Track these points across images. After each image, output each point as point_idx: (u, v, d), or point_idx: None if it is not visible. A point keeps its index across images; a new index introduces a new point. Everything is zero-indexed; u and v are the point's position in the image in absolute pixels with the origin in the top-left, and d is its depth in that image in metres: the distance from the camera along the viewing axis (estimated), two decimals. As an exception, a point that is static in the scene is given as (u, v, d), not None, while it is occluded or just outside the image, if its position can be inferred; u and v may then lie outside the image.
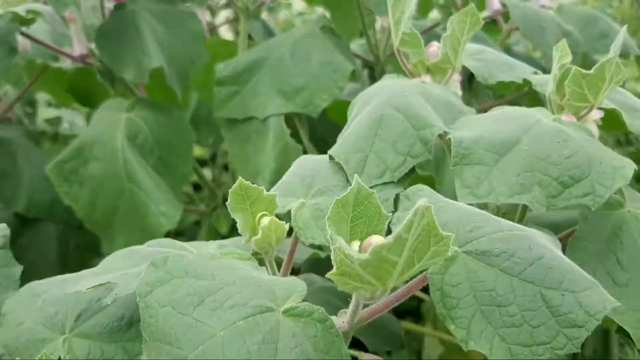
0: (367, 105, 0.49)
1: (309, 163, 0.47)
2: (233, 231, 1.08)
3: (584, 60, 1.10)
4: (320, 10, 1.68)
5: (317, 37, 0.90)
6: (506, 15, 1.15)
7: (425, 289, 0.37)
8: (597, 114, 0.50)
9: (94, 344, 0.39)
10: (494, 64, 0.60)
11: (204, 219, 1.11)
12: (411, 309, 1.40)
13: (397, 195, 0.42)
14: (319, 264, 0.64)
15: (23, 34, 0.93)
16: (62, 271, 0.98)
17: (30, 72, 1.18)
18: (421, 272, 0.34)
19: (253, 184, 0.87)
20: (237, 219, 0.42)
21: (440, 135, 0.46)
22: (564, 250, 0.42)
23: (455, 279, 0.34)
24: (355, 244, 0.33)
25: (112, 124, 0.86)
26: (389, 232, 0.36)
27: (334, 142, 1.13)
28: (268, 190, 0.84)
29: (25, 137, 1.04)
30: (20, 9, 0.96)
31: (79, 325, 0.41)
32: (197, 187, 1.34)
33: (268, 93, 0.88)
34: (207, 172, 1.30)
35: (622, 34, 0.52)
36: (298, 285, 0.35)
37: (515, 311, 0.33)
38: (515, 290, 0.34)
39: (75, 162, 0.84)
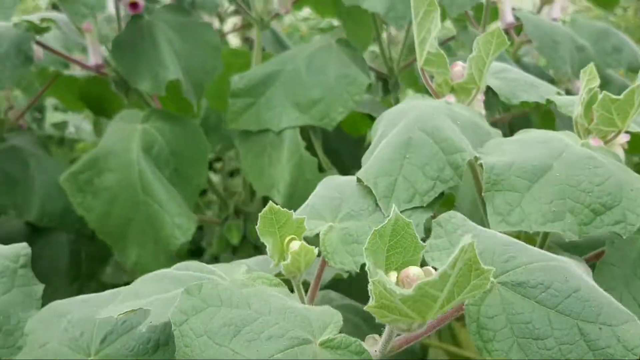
0: (393, 127, 0.49)
1: (335, 185, 0.47)
2: (244, 242, 1.08)
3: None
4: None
5: (332, 49, 0.90)
6: (517, 28, 1.15)
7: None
8: (624, 138, 0.50)
9: (119, 367, 0.39)
10: (516, 83, 0.60)
11: (214, 229, 1.11)
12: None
13: (428, 221, 0.41)
14: (337, 281, 0.64)
15: (38, 42, 0.93)
16: (74, 280, 0.99)
17: (42, 79, 1.18)
18: (456, 302, 0.34)
19: (268, 196, 0.88)
20: (266, 243, 0.41)
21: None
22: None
23: (492, 311, 0.34)
24: (393, 276, 0.33)
25: (128, 135, 0.85)
26: (422, 260, 0.36)
27: (347, 153, 1.12)
28: (284, 205, 0.85)
29: (37, 145, 1.04)
30: (35, 18, 0.96)
31: (105, 348, 0.41)
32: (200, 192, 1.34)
33: (283, 105, 0.88)
34: (212, 177, 1.30)
35: None
36: (334, 315, 0.34)
37: (553, 344, 0.33)
38: (552, 323, 0.34)
39: (89, 173, 0.84)
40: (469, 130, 0.48)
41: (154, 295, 0.37)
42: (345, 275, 0.49)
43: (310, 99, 0.87)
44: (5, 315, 0.47)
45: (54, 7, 1.30)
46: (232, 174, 1.39)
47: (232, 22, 1.76)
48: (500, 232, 0.40)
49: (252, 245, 1.08)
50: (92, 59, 0.93)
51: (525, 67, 1.15)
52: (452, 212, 0.40)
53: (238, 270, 0.42)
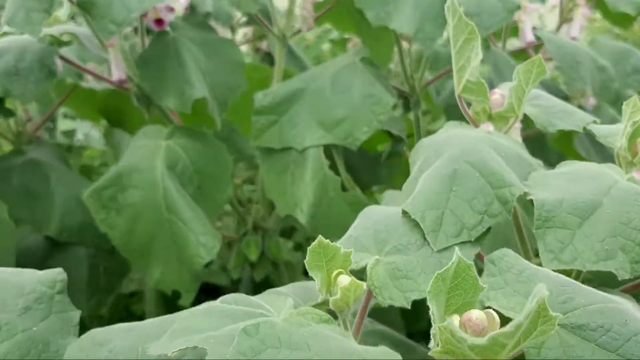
0: (437, 157, 0.48)
1: (379, 217, 0.47)
2: (262, 258, 1.07)
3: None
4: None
5: (356, 68, 0.90)
6: (536, 47, 1.15)
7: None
8: (668, 172, 0.50)
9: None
10: (551, 110, 0.60)
11: (232, 244, 1.10)
12: (423, 332, 1.39)
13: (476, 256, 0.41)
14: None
15: (62, 57, 0.93)
16: (92, 295, 0.98)
17: (58, 90, 1.18)
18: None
19: (291, 215, 0.88)
20: (314, 277, 0.41)
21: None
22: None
23: (552, 354, 0.34)
24: (456, 319, 0.33)
25: (152, 151, 0.85)
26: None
27: (365, 170, 1.12)
28: (308, 224, 0.84)
29: (57, 158, 1.04)
30: (56, 31, 0.96)
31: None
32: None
33: (307, 124, 0.88)
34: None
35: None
36: (392, 355, 0.34)
37: (614, 389, 0.33)
38: (613, 367, 0.33)
39: (113, 190, 0.84)
40: (513, 162, 0.48)
41: (207, 331, 0.37)
42: (385, 305, 0.49)
43: (334, 118, 0.87)
44: (44, 342, 0.46)
45: (72, 18, 1.30)
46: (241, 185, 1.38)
47: (242, 32, 1.76)
48: (552, 269, 0.39)
49: (270, 261, 1.08)
50: (116, 74, 0.93)
51: (541, 83, 1.15)
52: (504, 250, 0.40)
53: (284, 303, 0.41)
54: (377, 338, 0.59)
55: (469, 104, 0.58)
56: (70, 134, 1.66)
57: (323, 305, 0.42)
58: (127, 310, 1.29)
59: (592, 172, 0.46)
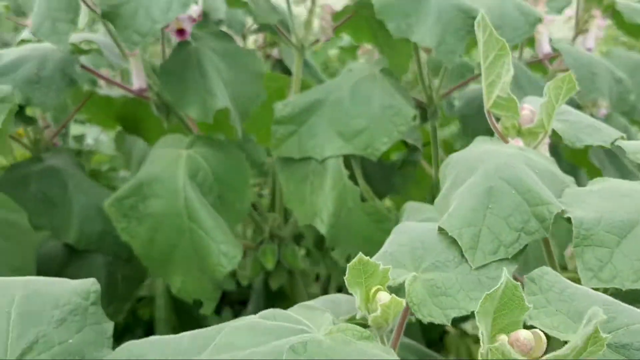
0: (470, 173, 0.49)
1: (414, 233, 0.47)
2: (278, 266, 1.07)
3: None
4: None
5: (376, 79, 0.90)
6: (551, 58, 1.15)
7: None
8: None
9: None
10: (579, 125, 0.60)
11: (247, 252, 1.11)
12: (434, 340, 1.39)
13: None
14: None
15: (83, 66, 0.93)
16: (110, 302, 0.98)
17: (74, 97, 1.19)
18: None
19: (310, 225, 0.88)
20: (354, 294, 0.41)
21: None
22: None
23: (597, 374, 0.34)
24: (504, 339, 0.33)
25: (173, 161, 0.86)
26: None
27: (380, 179, 1.12)
28: (327, 234, 0.85)
29: (75, 166, 1.04)
30: (75, 39, 0.97)
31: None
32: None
33: (326, 134, 0.88)
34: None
35: None
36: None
37: (660, 410, 0.33)
38: (658, 388, 0.34)
39: (134, 199, 0.84)
40: (546, 179, 0.48)
41: (251, 347, 0.37)
42: (414, 320, 0.49)
43: (354, 129, 0.87)
44: (80, 355, 0.47)
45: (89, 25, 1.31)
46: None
47: (252, 38, 1.77)
48: (591, 288, 0.40)
49: (286, 270, 1.08)
50: (136, 83, 0.94)
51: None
52: (544, 269, 0.40)
53: (322, 319, 0.42)
54: (407, 352, 0.60)
55: (497, 119, 0.59)
56: (79, 138, 1.67)
57: (360, 321, 0.42)
58: (134, 315, 1.29)
59: (626, 190, 0.46)
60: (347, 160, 0.91)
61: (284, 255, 1.05)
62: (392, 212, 1.05)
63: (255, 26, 1.63)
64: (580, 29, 1.22)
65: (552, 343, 0.36)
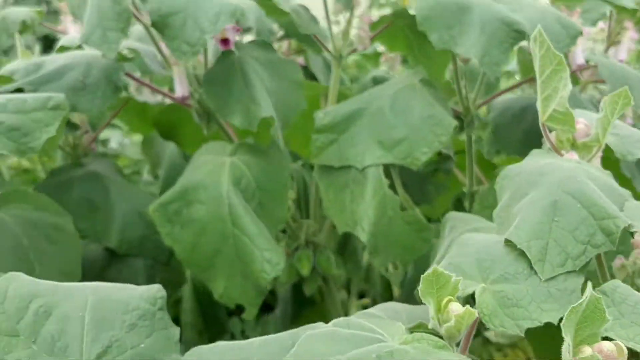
0: (531, 186, 0.50)
1: (479, 245, 0.48)
2: (313, 273, 1.09)
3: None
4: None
5: (416, 89, 0.91)
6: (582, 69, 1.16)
7: None
8: None
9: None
10: (629, 139, 0.61)
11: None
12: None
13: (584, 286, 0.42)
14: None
15: (127, 74, 0.95)
16: (148, 307, 0.99)
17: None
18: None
19: (351, 233, 0.89)
20: (427, 303, 0.42)
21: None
22: None
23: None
24: (587, 350, 0.34)
25: (217, 168, 0.87)
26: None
27: (414, 188, 1.13)
28: (368, 242, 0.86)
29: (114, 171, 1.06)
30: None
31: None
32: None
33: (366, 143, 0.89)
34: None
35: None
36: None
37: None
38: None
39: (178, 204, 0.86)
40: (607, 192, 0.49)
41: (332, 355, 0.38)
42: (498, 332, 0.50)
43: (394, 138, 0.88)
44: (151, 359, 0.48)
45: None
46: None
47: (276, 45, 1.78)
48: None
49: (320, 276, 1.09)
50: (179, 90, 0.95)
51: (580, 103, 1.16)
52: (615, 282, 0.41)
53: (394, 327, 0.43)
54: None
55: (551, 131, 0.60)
56: (104, 142, 1.69)
57: (431, 330, 0.43)
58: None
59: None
60: (386, 169, 0.92)
61: (318, 262, 1.06)
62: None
63: (281, 33, 1.65)
64: (612, 40, 1.23)
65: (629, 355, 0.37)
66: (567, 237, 0.45)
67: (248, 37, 1.57)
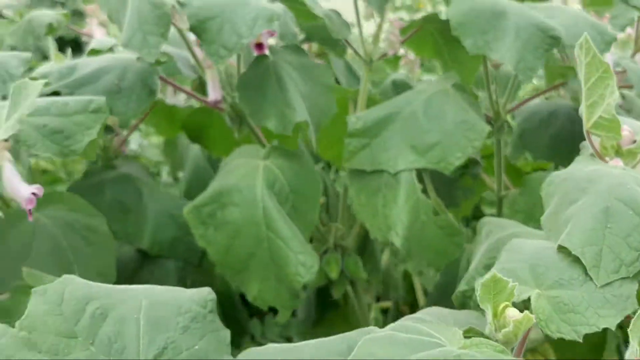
0: (579, 192, 0.50)
1: (530, 251, 0.49)
2: (341, 276, 1.09)
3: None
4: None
5: (449, 94, 0.92)
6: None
7: None
8: None
9: None
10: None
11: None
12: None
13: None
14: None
15: (161, 77, 0.96)
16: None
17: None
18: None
19: (383, 238, 0.90)
20: (485, 309, 0.43)
21: None
22: None
23: None
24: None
25: (251, 171, 0.88)
26: None
27: (442, 192, 1.13)
28: (402, 246, 0.86)
29: (145, 173, 1.07)
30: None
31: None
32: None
33: (399, 147, 0.89)
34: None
35: None
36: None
37: None
38: None
39: (212, 207, 0.86)
40: (656, 200, 0.49)
41: (394, 359, 0.39)
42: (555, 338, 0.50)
43: (427, 143, 0.88)
44: (206, 361, 0.49)
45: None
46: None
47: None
48: None
49: (348, 279, 1.10)
50: (212, 94, 0.96)
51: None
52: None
53: (450, 332, 0.43)
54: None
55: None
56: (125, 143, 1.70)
57: (487, 335, 0.44)
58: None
59: None
60: (418, 173, 0.92)
61: (346, 265, 1.06)
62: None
63: (302, 36, 1.65)
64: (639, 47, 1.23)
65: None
66: (620, 244, 0.45)
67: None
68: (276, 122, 0.88)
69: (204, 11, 0.81)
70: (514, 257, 0.49)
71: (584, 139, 1.02)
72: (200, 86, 1.12)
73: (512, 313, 0.42)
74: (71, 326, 0.47)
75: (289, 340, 1.33)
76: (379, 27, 1.03)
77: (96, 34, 1.58)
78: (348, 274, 1.08)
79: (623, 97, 1.31)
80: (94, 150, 0.82)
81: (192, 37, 0.95)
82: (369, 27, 1.13)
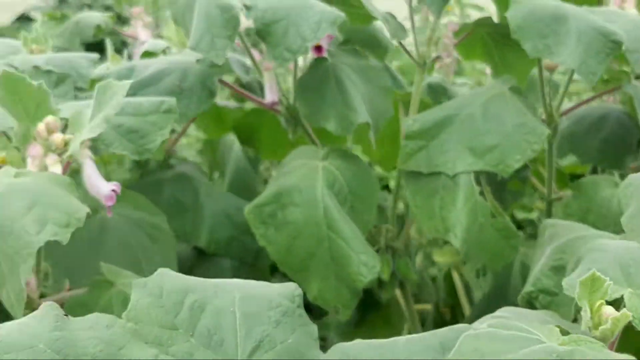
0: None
1: (618, 251, 0.49)
2: (392, 278, 1.10)
3: None
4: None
5: (507, 97, 0.92)
6: None
7: None
8: None
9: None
10: None
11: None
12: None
13: None
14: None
15: (221, 80, 0.98)
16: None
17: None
18: None
19: (440, 239, 0.90)
20: (583, 307, 0.44)
21: None
22: None
23: None
24: None
25: (310, 172, 0.89)
26: None
27: (493, 195, 1.13)
28: (461, 248, 0.87)
29: (200, 173, 1.09)
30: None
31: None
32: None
33: (457, 150, 0.90)
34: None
35: None
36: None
37: None
38: None
39: (273, 207, 0.88)
40: None
41: (502, 355, 0.39)
42: None
43: (485, 145, 0.89)
44: (299, 354, 0.50)
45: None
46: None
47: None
48: None
49: (398, 281, 1.11)
50: (269, 96, 0.98)
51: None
52: None
53: (547, 330, 0.44)
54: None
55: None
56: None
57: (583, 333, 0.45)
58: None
59: None
60: (475, 176, 0.93)
61: (397, 267, 1.07)
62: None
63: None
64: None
65: None
66: None
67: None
68: (335, 124, 0.89)
69: (269, 14, 0.83)
70: (601, 257, 0.50)
71: (634, 144, 1.02)
72: (242, 88, 1.14)
73: (609, 311, 0.43)
74: (172, 318, 0.48)
75: (324, 340, 1.35)
76: (433, 29, 1.04)
77: (141, 35, 1.61)
78: (399, 275, 1.09)
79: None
80: (163, 150, 0.84)
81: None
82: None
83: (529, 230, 1.39)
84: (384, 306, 1.31)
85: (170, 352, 0.46)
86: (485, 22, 1.09)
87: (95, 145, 0.70)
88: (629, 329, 0.45)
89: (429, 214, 0.91)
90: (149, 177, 1.04)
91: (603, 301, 0.44)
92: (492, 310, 0.58)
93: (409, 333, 0.86)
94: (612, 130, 1.14)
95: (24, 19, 3.85)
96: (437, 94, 1.22)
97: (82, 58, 0.90)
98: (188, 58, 0.99)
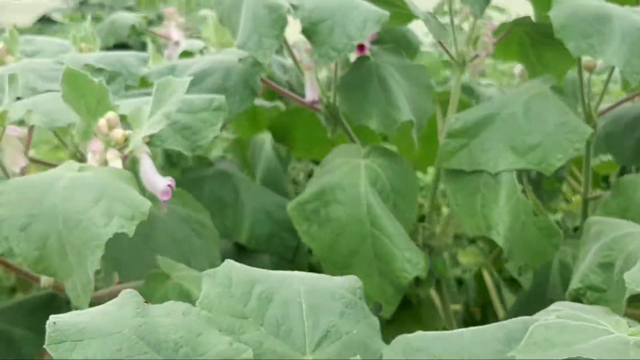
0: None
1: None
2: (429, 276, 1.11)
3: None
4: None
5: (548, 96, 0.93)
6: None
7: None
8: None
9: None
10: None
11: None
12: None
13: None
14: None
15: (262, 79, 0.99)
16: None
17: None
18: None
19: (482, 236, 0.91)
20: None
21: None
22: None
23: None
24: None
25: (353, 169, 0.90)
26: None
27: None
28: (504, 246, 0.87)
29: (239, 170, 1.11)
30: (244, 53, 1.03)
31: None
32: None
33: (498, 148, 0.91)
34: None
35: None
36: None
37: None
38: None
39: (316, 204, 0.89)
40: None
41: (573, 345, 0.40)
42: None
43: (527, 144, 0.90)
44: (364, 345, 0.51)
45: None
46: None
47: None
48: None
49: (434, 278, 1.11)
50: (309, 95, 0.99)
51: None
52: None
53: (614, 321, 0.45)
54: None
55: None
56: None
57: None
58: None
59: None
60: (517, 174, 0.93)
61: (435, 265, 1.08)
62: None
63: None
64: None
65: None
66: None
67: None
68: (378, 122, 0.90)
69: (315, 14, 0.84)
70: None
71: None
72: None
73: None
74: (241, 307, 0.49)
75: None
76: (473, 28, 1.05)
77: (174, 35, 1.63)
78: (436, 273, 1.10)
79: None
80: (212, 147, 0.85)
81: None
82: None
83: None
84: (415, 305, 1.31)
85: (242, 339, 0.48)
86: (523, 21, 1.09)
87: (150, 141, 0.72)
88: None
89: (471, 212, 0.92)
90: (191, 174, 1.05)
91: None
92: (531, 308, 0.59)
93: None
94: (647, 130, 1.14)
95: (45, 20, 3.91)
96: (465, 94, 1.23)
97: (132, 57, 0.92)
98: (230, 57, 1.00)
